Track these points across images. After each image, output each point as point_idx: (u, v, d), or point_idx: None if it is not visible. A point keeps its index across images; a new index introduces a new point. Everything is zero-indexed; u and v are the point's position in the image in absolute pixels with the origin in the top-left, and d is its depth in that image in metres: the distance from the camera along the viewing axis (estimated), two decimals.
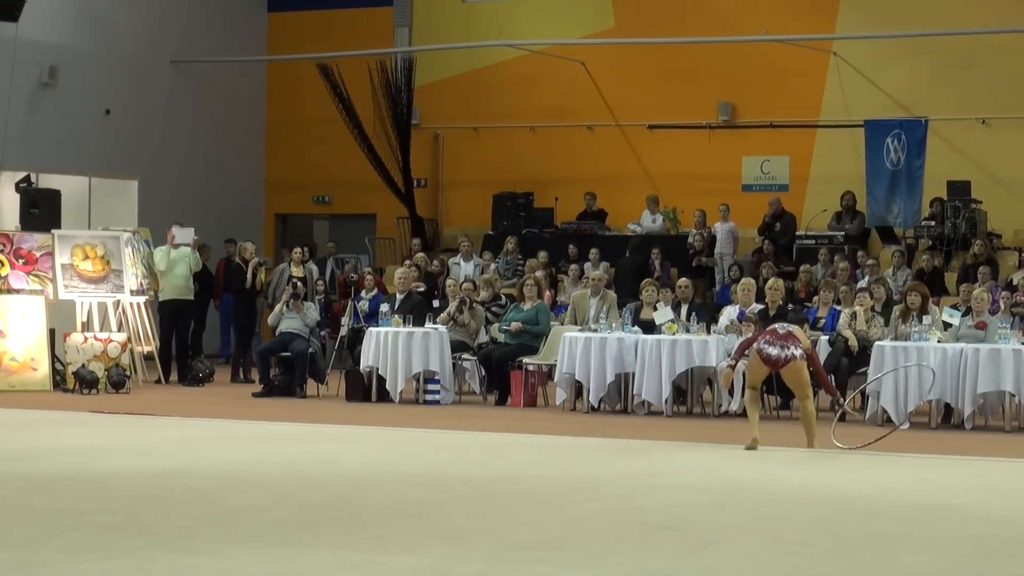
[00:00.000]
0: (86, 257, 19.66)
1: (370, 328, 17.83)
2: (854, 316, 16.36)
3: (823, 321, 16.96)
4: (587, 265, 22.72)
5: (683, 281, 18.10)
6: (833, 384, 14.63)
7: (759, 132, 25.18)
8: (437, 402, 17.44)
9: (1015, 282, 20.01)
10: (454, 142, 27.41)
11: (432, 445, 13.35)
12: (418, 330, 17.47)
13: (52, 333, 18.93)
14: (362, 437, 13.92)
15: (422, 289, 20.62)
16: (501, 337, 18.11)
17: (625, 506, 9.50)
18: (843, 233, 23.12)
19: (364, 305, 19.06)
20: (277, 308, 18.76)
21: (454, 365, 17.79)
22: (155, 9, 26.19)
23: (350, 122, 26.25)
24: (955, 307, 17.19)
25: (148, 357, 20.21)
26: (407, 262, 21.75)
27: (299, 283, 19.13)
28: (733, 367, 13.79)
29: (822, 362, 16.07)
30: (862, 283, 19.32)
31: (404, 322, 17.61)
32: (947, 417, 15.63)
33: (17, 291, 19.16)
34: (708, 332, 16.49)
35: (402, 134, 26.26)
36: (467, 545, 7.94)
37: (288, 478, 10.62)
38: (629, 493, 10.16)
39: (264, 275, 21.36)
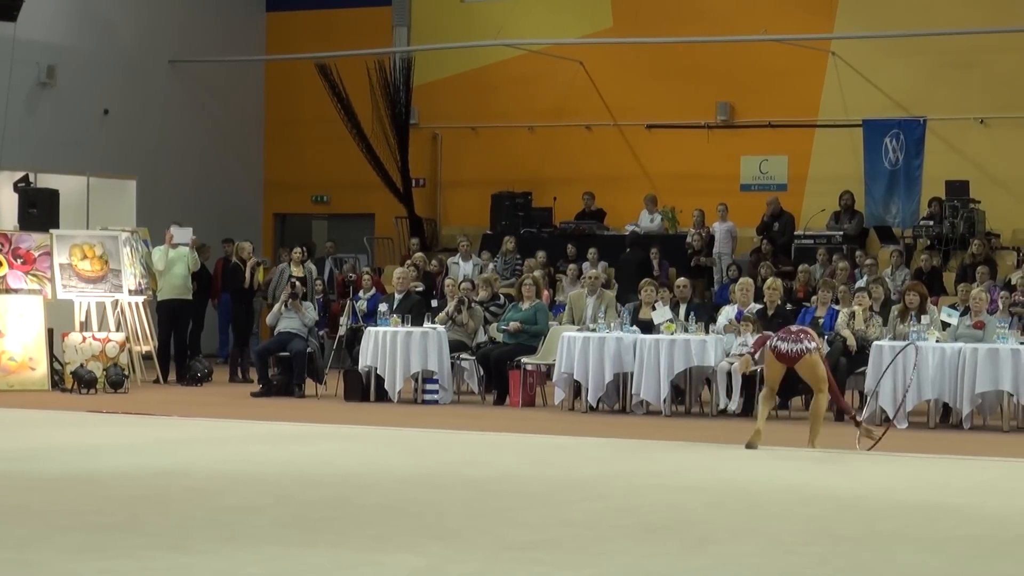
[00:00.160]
0: (84, 257, 19.65)
1: (368, 328, 17.83)
2: (852, 316, 16.37)
3: (822, 321, 16.96)
4: (585, 265, 22.73)
5: (681, 281, 18.11)
6: (845, 400, 14.48)
7: (757, 132, 25.19)
8: (435, 402, 17.45)
9: (1013, 282, 20.01)
10: (453, 142, 27.42)
11: (430, 445, 13.35)
12: (416, 330, 17.47)
13: (50, 333, 18.92)
14: (360, 437, 13.92)
15: (420, 289, 20.63)
16: (499, 337, 18.12)
17: (623, 506, 9.50)
18: (841, 233, 23.13)
19: (362, 305, 19.07)
20: (276, 308, 18.77)
21: (452, 365, 17.79)
22: (153, 9, 26.19)
23: (348, 122, 26.26)
24: (953, 307, 17.20)
25: (146, 357, 20.20)
26: (408, 263, 21.76)
27: (298, 283, 19.12)
28: (752, 355, 13.77)
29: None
30: (860, 283, 19.33)
31: (402, 322, 17.61)
32: (945, 417, 15.64)
33: (15, 291, 19.15)
34: (706, 332, 16.50)
35: (400, 134, 26.27)
36: (465, 545, 7.94)
37: (286, 478, 10.62)
38: (627, 493, 10.16)
39: (262, 274, 21.35)
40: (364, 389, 17.70)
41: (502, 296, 19.47)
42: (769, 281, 17.61)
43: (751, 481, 10.88)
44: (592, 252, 23.36)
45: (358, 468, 11.36)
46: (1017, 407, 15.17)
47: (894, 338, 15.67)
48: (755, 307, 16.94)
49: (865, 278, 20.03)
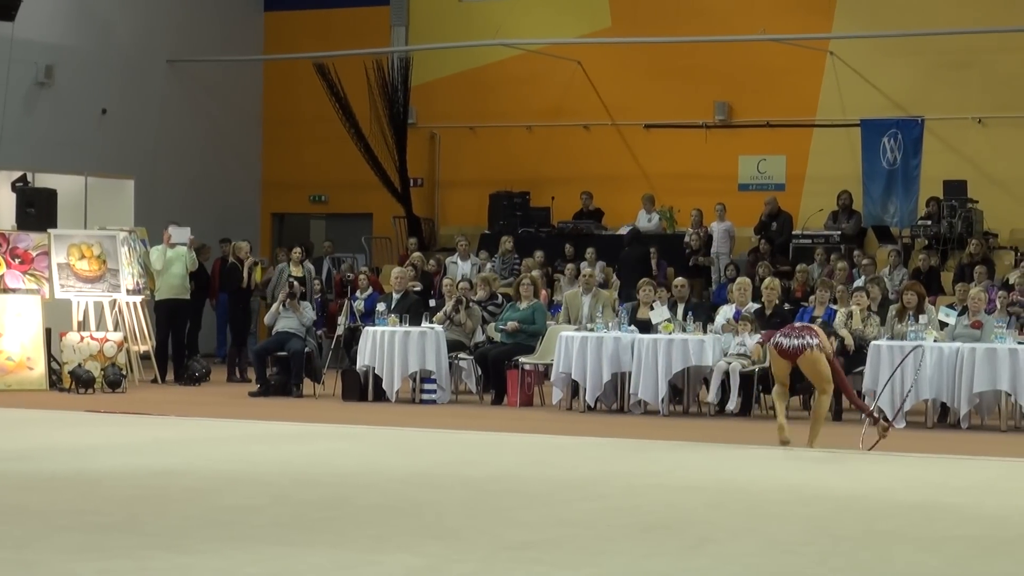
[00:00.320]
0: (82, 256, 19.64)
1: (366, 328, 17.83)
2: (850, 316, 16.37)
3: (819, 321, 16.95)
4: (583, 264, 22.73)
5: (679, 281, 18.12)
6: (858, 396, 14.37)
7: (755, 131, 25.19)
8: (433, 401, 17.45)
9: (1011, 281, 20.01)
10: (451, 141, 27.42)
11: (428, 444, 13.35)
12: (414, 329, 17.47)
13: (48, 332, 18.92)
14: (358, 436, 13.92)
15: (419, 288, 20.62)
16: (497, 336, 18.12)
17: (621, 505, 9.50)
18: (839, 232, 23.14)
19: (360, 305, 19.06)
20: (274, 308, 18.77)
21: (450, 364, 17.79)
22: (151, 8, 26.19)
23: (346, 121, 26.26)
24: (951, 306, 17.20)
25: (144, 356, 20.20)
26: (408, 262, 21.76)
27: (296, 283, 19.12)
28: (762, 344, 13.74)
29: None
30: (858, 282, 19.33)
31: (400, 321, 17.61)
32: (943, 416, 15.64)
33: (13, 290, 19.14)
34: (704, 331, 16.51)
35: (398, 133, 26.27)
36: (463, 544, 7.94)
37: (284, 478, 10.62)
38: (625, 492, 10.16)
39: (259, 274, 21.34)
40: (362, 389, 17.70)
41: (500, 296, 19.48)
42: (767, 281, 17.61)
43: (750, 481, 10.88)
44: (590, 252, 23.36)
45: (356, 468, 11.36)
46: (1015, 407, 15.18)
47: (892, 338, 15.67)
48: (753, 307, 16.95)
49: (863, 278, 20.03)
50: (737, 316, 16.65)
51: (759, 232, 23.61)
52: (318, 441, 13.41)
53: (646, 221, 24.57)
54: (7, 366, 18.61)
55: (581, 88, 26.23)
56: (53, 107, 24.58)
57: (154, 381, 19.93)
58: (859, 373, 15.69)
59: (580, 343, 16.49)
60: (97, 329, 19.35)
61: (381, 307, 18.02)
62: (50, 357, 18.89)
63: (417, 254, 23.03)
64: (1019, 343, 15.26)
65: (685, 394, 16.81)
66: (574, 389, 16.82)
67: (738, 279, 18.08)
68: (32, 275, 19.31)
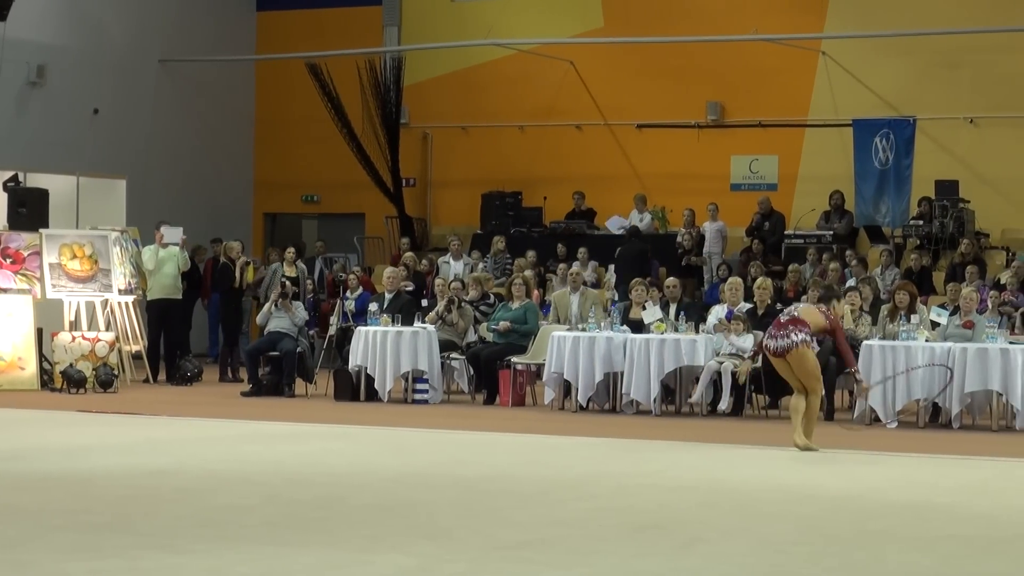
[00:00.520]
0: (74, 256, 19.62)
1: (358, 327, 17.82)
2: (841, 316, 16.36)
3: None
4: (576, 264, 22.74)
5: (671, 281, 18.12)
6: (853, 358, 13.80)
7: (748, 131, 25.21)
8: (425, 401, 17.44)
9: (1003, 281, 20.05)
10: (443, 141, 27.42)
11: (420, 444, 13.35)
12: (407, 329, 17.46)
13: (40, 332, 18.89)
14: (350, 436, 13.91)
15: (411, 288, 20.62)
16: (489, 336, 18.11)
17: (613, 505, 9.51)
18: (831, 232, 23.16)
19: (350, 305, 19.05)
20: (266, 307, 18.75)
21: (442, 364, 17.78)
22: (143, 8, 26.16)
23: (339, 121, 26.25)
24: (943, 306, 17.22)
25: (136, 356, 20.17)
26: (401, 263, 21.75)
27: (287, 283, 19.11)
28: (756, 354, 13.68)
29: None
30: (850, 282, 19.35)
31: (393, 321, 17.60)
32: (935, 416, 15.66)
33: (4, 290, 19.11)
34: (696, 331, 16.52)
35: (391, 133, 26.26)
36: (455, 544, 7.94)
37: (276, 477, 10.62)
38: (617, 492, 10.17)
39: (251, 274, 21.33)
40: (354, 389, 17.69)
41: (492, 296, 19.48)
42: (759, 281, 17.62)
43: (742, 481, 10.88)
44: (582, 251, 23.38)
45: (348, 468, 11.36)
46: (1006, 407, 15.19)
47: (884, 338, 15.68)
48: (745, 307, 16.95)
49: (853, 278, 20.05)
50: (729, 316, 16.66)
51: (751, 232, 23.62)
52: (310, 441, 13.41)
53: (638, 221, 24.57)
54: None
55: (573, 88, 26.23)
56: (45, 107, 24.55)
57: (146, 381, 19.91)
58: (850, 372, 15.68)
59: (572, 343, 16.49)
60: (89, 329, 19.33)
61: (373, 307, 18.01)
62: (41, 357, 18.87)
63: (409, 254, 23.02)
64: (1010, 343, 15.28)
65: (677, 394, 16.81)
66: (566, 389, 16.82)
67: (730, 279, 18.09)
68: (23, 275, 19.28)
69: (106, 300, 19.87)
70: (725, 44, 24.74)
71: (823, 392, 13.14)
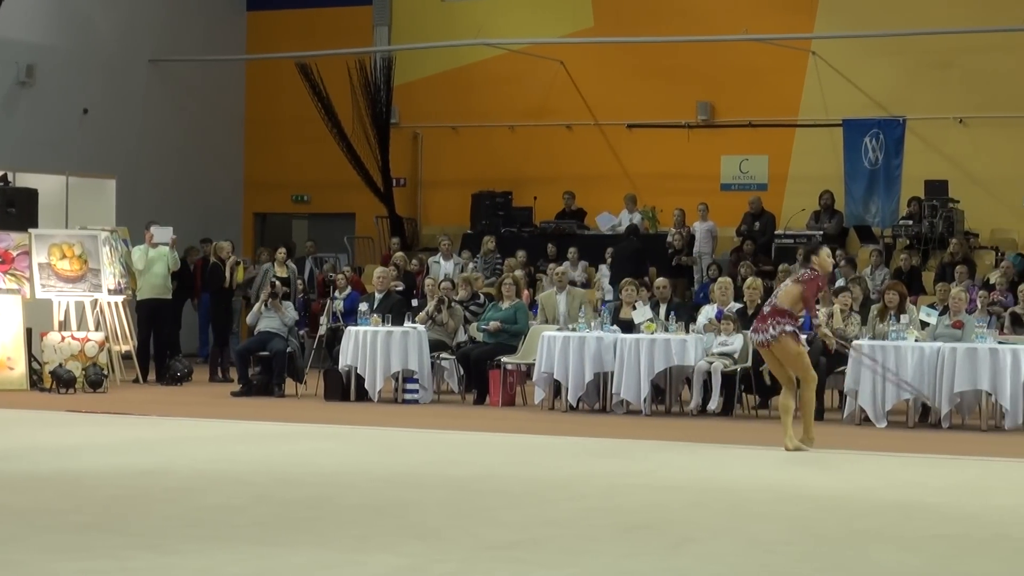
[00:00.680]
0: (63, 256, 19.59)
1: (348, 327, 17.82)
2: (831, 315, 16.41)
3: (801, 320, 16.97)
4: (565, 264, 22.76)
5: (661, 281, 18.13)
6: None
7: (738, 131, 25.23)
8: (416, 401, 17.44)
9: (992, 281, 20.08)
10: (433, 141, 27.42)
11: (411, 444, 13.35)
12: (397, 329, 17.47)
13: (29, 332, 18.88)
14: (340, 436, 13.91)
15: (401, 288, 20.61)
16: (479, 336, 18.11)
17: (603, 505, 9.51)
18: (821, 232, 23.18)
19: (339, 305, 19.04)
20: (256, 307, 18.75)
21: (433, 364, 17.78)
22: (133, 8, 26.13)
23: (329, 121, 26.23)
24: (932, 306, 17.24)
25: (126, 356, 20.15)
26: (391, 263, 21.75)
27: (278, 283, 19.11)
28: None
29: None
30: (839, 282, 19.36)
31: (383, 321, 17.60)
32: (924, 416, 15.68)
33: None
34: (687, 331, 16.53)
35: (381, 133, 26.25)
36: (445, 544, 7.94)
37: (266, 477, 10.61)
38: (607, 492, 10.17)
39: (241, 273, 21.31)
40: (344, 389, 17.69)
41: (482, 295, 19.48)
42: (749, 280, 17.63)
43: (731, 480, 10.90)
44: (572, 251, 23.39)
45: (338, 467, 11.36)
46: (995, 406, 15.21)
47: (874, 337, 15.70)
48: (735, 306, 16.96)
49: (843, 278, 20.06)
50: (719, 316, 16.68)
51: (742, 232, 23.64)
52: (300, 441, 13.40)
53: (628, 221, 24.58)
54: None
55: (564, 88, 26.23)
56: (34, 107, 24.52)
57: (136, 381, 19.90)
58: (840, 373, 15.73)
59: (562, 343, 16.50)
60: (78, 329, 19.31)
61: (364, 307, 18.01)
62: (31, 357, 18.85)
63: (399, 254, 23.02)
64: (999, 343, 15.30)
65: (667, 394, 16.82)
66: (556, 389, 16.82)
67: (720, 279, 18.11)
68: (13, 275, 19.25)
69: (95, 300, 19.84)
70: (715, 44, 24.76)
71: (807, 384, 12.81)
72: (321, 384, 18.07)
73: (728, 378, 16.18)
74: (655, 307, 17.33)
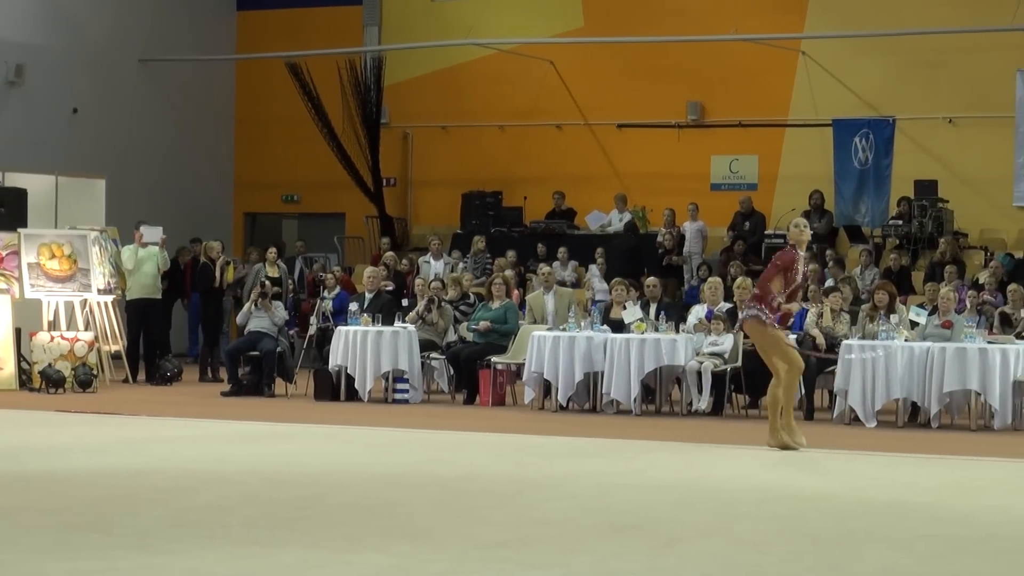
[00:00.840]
0: (53, 256, 19.56)
1: (339, 327, 17.81)
2: (820, 315, 16.43)
3: (791, 320, 16.99)
4: (555, 264, 22.78)
5: (651, 281, 18.13)
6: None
7: (728, 131, 25.25)
8: (406, 401, 17.44)
9: (981, 281, 20.10)
10: (423, 141, 27.41)
11: (400, 444, 13.34)
12: (387, 329, 17.46)
13: (18, 332, 18.84)
14: (330, 436, 13.90)
15: (391, 288, 20.61)
16: (469, 336, 18.11)
17: (592, 505, 9.51)
18: (811, 232, 23.14)
19: (328, 305, 19.03)
20: (246, 307, 18.74)
21: (423, 364, 17.78)
22: (123, 7, 26.10)
23: (319, 121, 26.23)
24: (922, 306, 17.27)
25: (115, 356, 20.13)
26: (381, 263, 21.74)
27: (267, 282, 19.09)
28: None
29: None
30: (829, 282, 19.39)
31: (373, 321, 17.60)
32: (913, 416, 15.70)
33: None
34: (677, 331, 16.53)
35: (371, 133, 26.25)
36: (435, 544, 7.94)
37: (256, 477, 10.61)
38: (596, 492, 10.17)
39: (231, 273, 21.29)
40: (334, 388, 17.68)
41: (472, 295, 19.48)
42: (739, 280, 17.62)
43: (720, 480, 10.90)
44: (562, 251, 23.40)
45: (328, 467, 11.35)
46: (984, 406, 15.23)
47: (863, 337, 15.72)
48: (725, 306, 16.97)
49: (831, 279, 20.08)
50: (709, 316, 16.68)
51: (732, 231, 23.66)
52: (290, 441, 13.39)
53: (618, 221, 24.59)
54: None
55: (554, 88, 26.24)
56: (24, 106, 24.48)
57: (125, 381, 19.88)
58: (831, 372, 15.74)
59: (552, 343, 16.50)
60: (68, 329, 19.28)
61: (354, 307, 18.00)
62: (20, 357, 18.82)
63: (390, 254, 23.01)
64: (989, 343, 15.32)
65: (657, 394, 16.82)
66: (546, 389, 16.82)
67: (709, 279, 18.12)
68: (2, 275, 19.22)
69: (85, 300, 19.82)
70: (705, 44, 24.77)
71: (789, 368, 12.62)
72: (311, 384, 18.06)
73: (718, 378, 16.19)
74: (645, 307, 17.34)
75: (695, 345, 16.40)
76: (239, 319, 18.89)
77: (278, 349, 18.25)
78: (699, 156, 25.37)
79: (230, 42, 28.38)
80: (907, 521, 9.08)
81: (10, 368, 18.67)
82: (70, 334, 18.83)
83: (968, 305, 18.05)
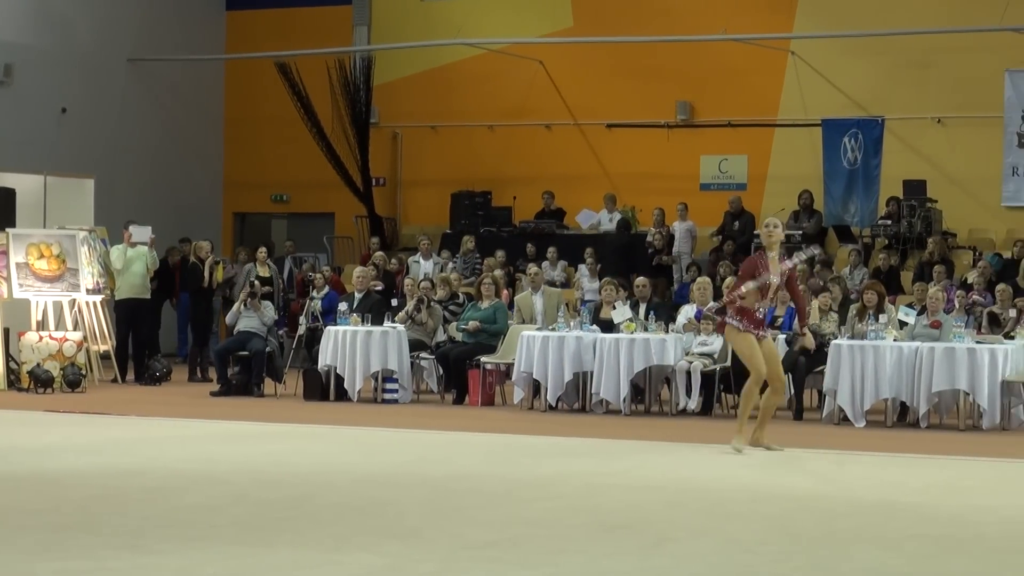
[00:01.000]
0: (41, 256, 19.53)
1: (328, 327, 17.80)
2: (809, 314, 16.43)
3: (781, 320, 17.02)
4: (544, 264, 22.78)
5: (640, 280, 18.13)
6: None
7: (717, 131, 25.26)
8: (395, 401, 17.43)
9: (970, 281, 20.14)
10: (413, 141, 27.40)
11: (390, 444, 13.34)
12: (376, 329, 17.45)
13: (7, 332, 18.81)
14: (320, 436, 13.89)
15: (380, 288, 20.60)
16: (459, 336, 18.11)
17: (582, 505, 9.51)
18: (801, 232, 23.22)
19: (317, 305, 19.02)
20: (235, 307, 18.72)
21: (412, 364, 17.78)
22: (112, 7, 26.06)
23: (308, 121, 26.21)
24: (911, 306, 17.29)
25: (104, 356, 20.10)
26: (370, 263, 21.72)
27: (256, 282, 19.08)
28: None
29: (781, 360, 16.16)
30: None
31: (362, 321, 17.59)
32: (902, 416, 15.72)
33: None
34: (666, 331, 16.54)
35: (361, 133, 26.23)
36: (424, 544, 7.94)
37: (245, 477, 10.60)
38: (586, 492, 10.17)
39: (220, 273, 21.27)
40: (323, 388, 17.67)
41: (461, 295, 19.47)
42: (728, 280, 17.63)
43: (710, 480, 10.91)
44: (552, 251, 23.40)
45: (317, 467, 11.35)
46: (973, 406, 15.26)
47: (852, 337, 15.73)
48: (714, 306, 16.94)
49: (815, 278, 20.09)
50: (699, 316, 16.69)
51: (721, 231, 23.66)
52: (279, 441, 13.39)
53: (608, 220, 24.60)
54: None
55: (543, 88, 26.24)
56: (12, 106, 24.44)
57: (114, 381, 19.85)
58: (820, 372, 15.76)
59: (542, 342, 16.50)
60: (56, 329, 19.25)
61: (343, 307, 17.99)
62: (8, 357, 18.79)
63: (379, 253, 23.01)
64: (977, 342, 15.35)
65: (647, 393, 16.83)
66: (536, 388, 16.82)
67: (698, 279, 18.13)
68: None
69: (74, 300, 19.78)
70: (694, 44, 24.78)
71: (751, 376, 12.58)
72: (300, 384, 18.05)
73: (707, 378, 16.20)
74: (635, 307, 17.34)
75: (684, 345, 16.41)
76: (228, 319, 18.88)
77: (267, 349, 18.24)
78: (688, 156, 25.39)
79: (219, 42, 28.36)
80: (896, 521, 9.09)
81: None
82: (59, 334, 18.80)
83: (957, 305, 18.08)
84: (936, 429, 15.26)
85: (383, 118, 27.09)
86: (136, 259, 20.06)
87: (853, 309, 16.27)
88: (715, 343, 16.22)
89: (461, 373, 17.56)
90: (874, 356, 15.18)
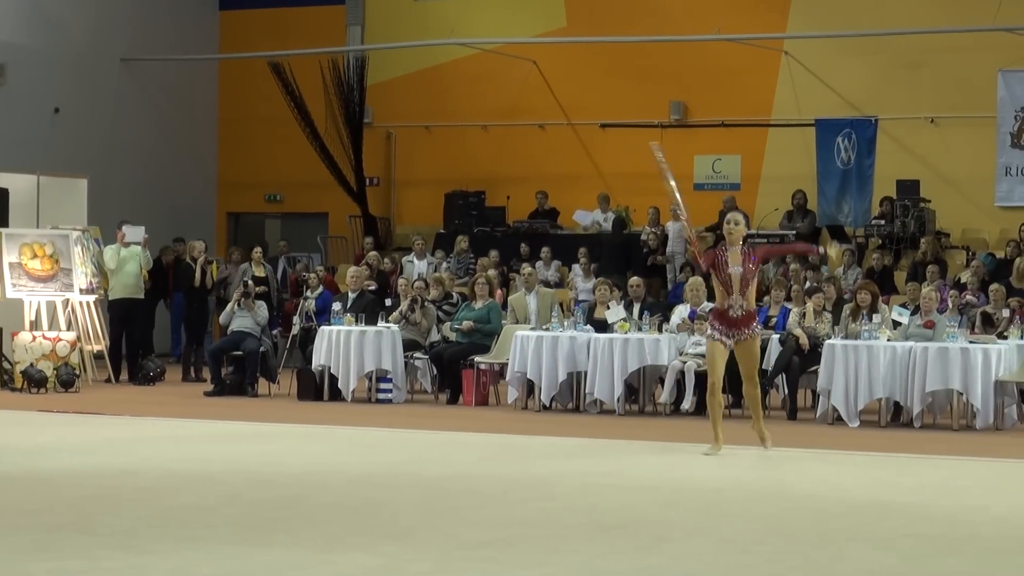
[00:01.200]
0: (35, 256, 19.51)
1: (322, 327, 17.79)
2: (803, 315, 16.46)
3: (774, 320, 17.04)
4: (538, 264, 22.78)
5: (635, 280, 18.14)
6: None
7: (711, 131, 25.27)
8: (389, 401, 17.43)
9: (963, 281, 20.15)
10: (406, 141, 27.40)
11: (384, 444, 13.34)
12: (370, 329, 17.45)
13: (0, 332, 18.78)
14: (314, 436, 13.89)
15: (374, 288, 20.59)
16: (453, 336, 18.11)
17: (576, 505, 9.51)
18: (794, 232, 23.24)
19: (311, 304, 19.01)
20: (228, 307, 18.71)
21: (406, 364, 17.77)
22: (105, 6, 26.04)
23: (302, 121, 26.19)
24: (904, 306, 17.30)
25: (98, 356, 20.09)
26: (364, 263, 21.71)
27: (250, 282, 19.07)
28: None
29: (775, 362, 16.18)
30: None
31: (356, 321, 17.58)
32: (896, 415, 15.73)
33: None
34: (660, 331, 16.55)
35: (354, 133, 26.22)
36: (418, 544, 7.94)
37: (239, 477, 10.59)
38: (580, 492, 10.18)
39: (214, 272, 21.26)
40: (317, 388, 17.67)
41: (455, 295, 19.47)
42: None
43: (704, 480, 10.91)
44: (545, 251, 23.40)
45: (311, 467, 11.34)
46: (966, 406, 15.27)
47: (846, 337, 15.74)
48: (708, 306, 16.97)
49: (808, 282, 20.09)
50: (692, 316, 16.70)
51: (715, 231, 23.66)
52: (273, 441, 13.38)
53: (602, 220, 24.60)
54: None
55: (536, 87, 26.24)
56: (5, 106, 24.40)
57: (108, 381, 19.83)
58: (813, 372, 15.76)
59: (536, 342, 16.50)
60: (50, 329, 19.23)
61: (337, 307, 17.99)
62: (2, 357, 18.77)
63: (373, 253, 23.00)
64: (971, 342, 15.36)
65: (641, 393, 16.83)
66: (529, 388, 16.82)
67: (691, 279, 18.11)
68: None
69: (67, 300, 19.77)
70: (688, 44, 24.78)
71: (713, 384, 12.57)
72: (294, 384, 18.04)
73: (701, 378, 16.19)
74: (629, 306, 17.34)
75: (678, 345, 16.41)
76: (222, 319, 18.86)
77: (261, 349, 18.23)
78: (682, 156, 25.32)
79: (213, 42, 28.34)
80: (890, 520, 9.10)
81: None
82: (52, 334, 18.79)
83: (950, 305, 18.10)
84: (930, 429, 15.27)
85: (377, 118, 27.08)
86: (129, 259, 20.05)
87: (847, 309, 16.28)
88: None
89: (455, 373, 17.56)
90: (868, 356, 15.19)
